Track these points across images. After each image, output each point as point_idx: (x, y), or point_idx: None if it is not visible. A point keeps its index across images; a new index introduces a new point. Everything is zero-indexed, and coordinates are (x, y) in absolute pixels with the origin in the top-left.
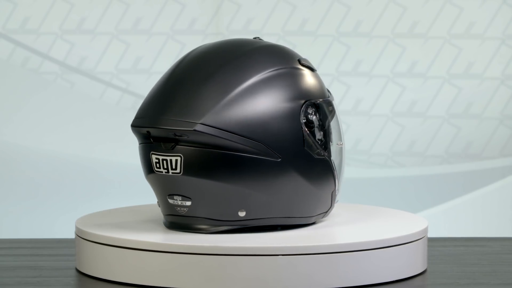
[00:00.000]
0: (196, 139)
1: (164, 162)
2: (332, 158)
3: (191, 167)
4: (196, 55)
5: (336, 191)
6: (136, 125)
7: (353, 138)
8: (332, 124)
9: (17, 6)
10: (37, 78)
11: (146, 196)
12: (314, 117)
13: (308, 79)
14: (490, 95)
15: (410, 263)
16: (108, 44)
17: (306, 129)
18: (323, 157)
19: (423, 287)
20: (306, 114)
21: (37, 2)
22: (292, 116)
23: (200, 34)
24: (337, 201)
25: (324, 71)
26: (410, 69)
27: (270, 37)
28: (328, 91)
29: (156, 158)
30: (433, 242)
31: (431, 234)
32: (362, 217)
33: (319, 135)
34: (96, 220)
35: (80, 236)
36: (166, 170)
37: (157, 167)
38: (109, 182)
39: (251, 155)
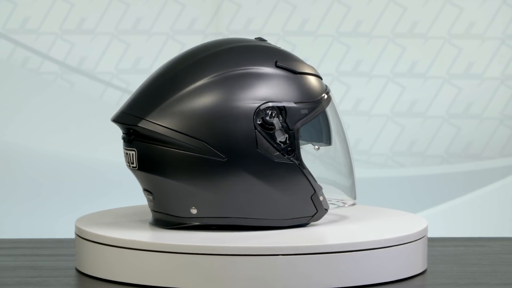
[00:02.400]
0: (146, 134)
1: (127, 155)
2: (304, 161)
3: (143, 162)
4: (179, 56)
5: (319, 196)
6: (111, 119)
7: (353, 138)
8: (330, 125)
9: (17, 6)
10: (37, 78)
11: None
12: (276, 119)
13: (277, 80)
14: (490, 95)
15: (410, 263)
16: (108, 44)
17: (262, 131)
18: (288, 161)
19: (423, 287)
20: (264, 116)
21: (37, 2)
22: (243, 116)
23: (200, 34)
24: (353, 204)
25: (324, 71)
26: (410, 69)
27: (270, 37)
28: (327, 87)
29: (124, 152)
30: (433, 242)
31: (431, 234)
32: (362, 217)
33: (281, 138)
34: (96, 220)
35: (80, 236)
36: (128, 164)
37: (126, 161)
38: (110, 182)
39: (195, 154)
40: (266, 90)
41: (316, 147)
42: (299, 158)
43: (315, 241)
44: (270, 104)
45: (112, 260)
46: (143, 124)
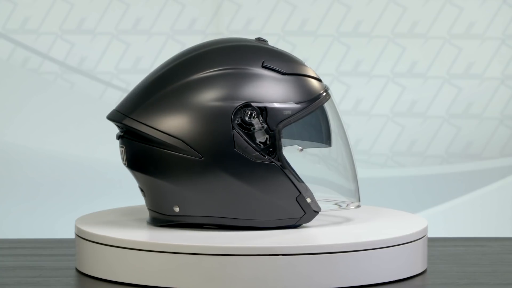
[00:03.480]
0: (132, 132)
1: (120, 152)
2: (287, 163)
3: (130, 159)
4: (173, 56)
5: (306, 197)
6: (106, 116)
7: (353, 138)
8: (329, 126)
9: (17, 6)
10: (37, 78)
11: None
12: (256, 119)
13: (261, 81)
14: (490, 95)
15: (410, 263)
16: (108, 44)
17: (240, 131)
18: (268, 162)
19: (423, 287)
20: (243, 116)
21: (37, 2)
22: (221, 116)
23: (200, 34)
24: (358, 206)
25: (324, 71)
26: (410, 69)
27: (270, 37)
28: (326, 87)
29: (119, 149)
30: (433, 242)
31: (431, 234)
32: (362, 217)
33: (261, 138)
34: (96, 220)
35: (80, 236)
36: (122, 161)
37: (120, 157)
38: (110, 182)
39: (173, 152)
40: (248, 90)
41: (300, 148)
42: (280, 159)
43: (315, 241)
44: (250, 104)
45: (112, 260)
46: (127, 121)
